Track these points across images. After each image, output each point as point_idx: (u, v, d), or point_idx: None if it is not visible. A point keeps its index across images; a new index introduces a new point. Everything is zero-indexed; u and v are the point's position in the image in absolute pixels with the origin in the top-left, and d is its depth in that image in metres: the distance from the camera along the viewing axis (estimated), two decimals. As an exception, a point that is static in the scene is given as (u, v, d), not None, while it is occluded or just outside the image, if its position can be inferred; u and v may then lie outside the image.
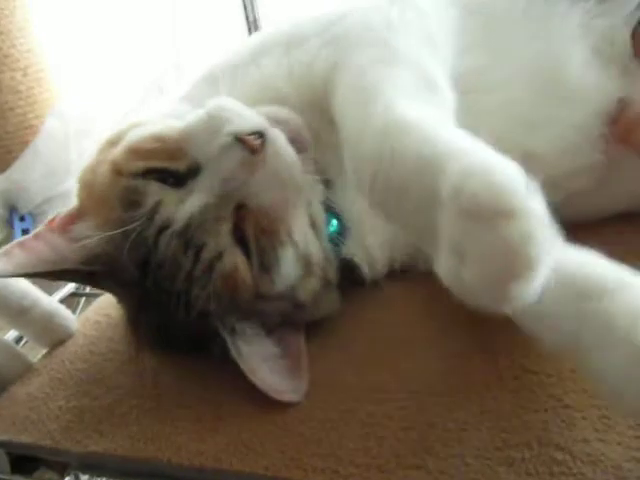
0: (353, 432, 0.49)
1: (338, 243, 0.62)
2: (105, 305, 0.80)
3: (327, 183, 0.62)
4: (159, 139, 0.56)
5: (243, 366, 0.54)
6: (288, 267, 0.55)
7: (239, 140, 0.52)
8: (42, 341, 0.73)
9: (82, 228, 0.57)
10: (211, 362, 0.56)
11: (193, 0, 1.66)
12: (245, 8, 1.54)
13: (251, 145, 0.52)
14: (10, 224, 1.47)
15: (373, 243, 0.63)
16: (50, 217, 0.61)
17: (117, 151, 0.57)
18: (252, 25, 1.55)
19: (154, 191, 0.53)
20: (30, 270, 0.56)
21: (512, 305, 0.35)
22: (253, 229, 0.53)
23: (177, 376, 0.60)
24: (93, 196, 0.58)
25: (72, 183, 1.59)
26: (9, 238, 1.47)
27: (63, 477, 0.63)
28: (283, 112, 0.58)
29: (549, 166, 0.58)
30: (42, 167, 1.46)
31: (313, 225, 0.59)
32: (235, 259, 0.53)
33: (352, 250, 0.63)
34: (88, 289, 0.91)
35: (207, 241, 0.52)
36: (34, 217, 1.50)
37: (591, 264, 0.39)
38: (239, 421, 0.53)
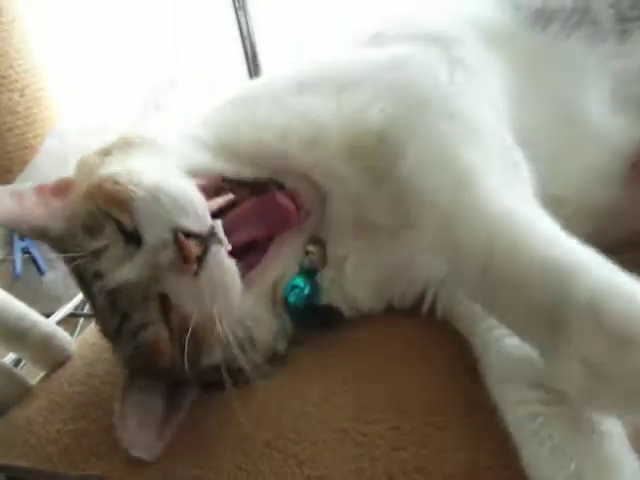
0: (346, 453, 0.49)
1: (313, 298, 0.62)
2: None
3: (317, 240, 0.63)
4: (115, 183, 0.55)
5: (118, 406, 0.56)
6: (214, 357, 0.54)
7: (177, 241, 0.50)
8: (41, 364, 0.74)
9: (55, 207, 0.60)
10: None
11: (190, 19, 1.68)
12: (239, 22, 1.55)
13: (187, 253, 0.50)
14: (10, 243, 1.48)
15: (357, 288, 0.63)
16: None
17: (100, 177, 0.57)
18: (247, 41, 1.56)
19: (109, 234, 0.54)
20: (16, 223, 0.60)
21: None
22: (177, 321, 0.53)
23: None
24: (78, 192, 0.59)
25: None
26: (9, 256, 1.49)
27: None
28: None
29: (573, 206, 0.58)
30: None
31: (270, 302, 0.60)
32: (159, 334, 0.53)
33: (332, 295, 0.63)
34: (87, 309, 0.92)
35: (132, 314, 0.53)
36: (34, 236, 1.51)
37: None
38: (233, 443, 0.53)
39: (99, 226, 0.54)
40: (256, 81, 0.73)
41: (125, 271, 0.52)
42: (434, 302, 0.62)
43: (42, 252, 1.53)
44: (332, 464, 0.49)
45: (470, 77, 0.58)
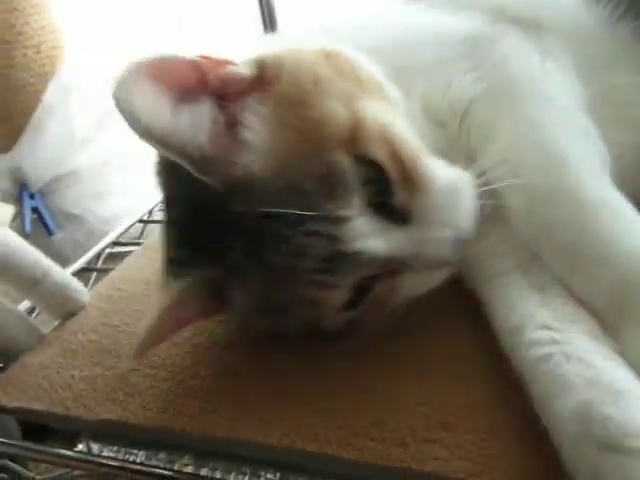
0: (368, 406, 0.49)
1: None
2: (117, 279, 0.80)
3: None
4: (410, 152, 0.49)
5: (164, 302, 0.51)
6: (365, 330, 0.52)
7: (455, 246, 0.49)
8: (54, 312, 0.73)
9: (252, 121, 0.48)
10: (226, 334, 0.56)
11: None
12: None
13: (459, 251, 0.50)
14: (20, 201, 1.47)
15: None
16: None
17: (368, 114, 0.49)
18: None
19: (354, 201, 0.47)
20: (163, 137, 0.44)
21: None
22: (380, 294, 0.51)
23: (192, 346, 0.60)
24: (303, 113, 0.48)
25: (81, 162, 1.59)
26: (18, 216, 1.48)
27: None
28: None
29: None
30: (46, 142, 1.45)
31: None
32: (336, 297, 0.50)
33: None
34: (100, 264, 0.91)
35: (342, 273, 0.48)
36: (43, 195, 1.50)
37: None
38: (254, 393, 0.53)
39: (343, 185, 0.46)
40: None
41: (375, 244, 0.47)
42: None
43: (51, 212, 1.52)
44: (353, 416, 0.48)
45: (558, 64, 0.58)
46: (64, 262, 0.97)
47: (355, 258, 0.47)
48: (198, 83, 0.47)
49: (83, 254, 0.93)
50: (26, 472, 0.60)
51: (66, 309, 0.73)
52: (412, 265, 0.49)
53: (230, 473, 0.49)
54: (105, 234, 1.00)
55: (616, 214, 0.48)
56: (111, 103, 0.42)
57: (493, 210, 0.57)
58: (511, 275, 0.53)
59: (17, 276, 0.71)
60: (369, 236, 0.47)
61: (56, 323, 0.72)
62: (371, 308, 0.51)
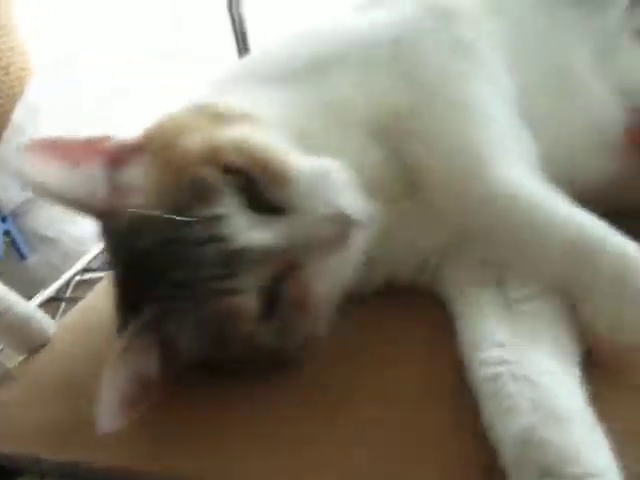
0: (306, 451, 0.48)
1: None
2: (85, 309, 0.78)
3: None
4: (270, 153, 0.52)
5: (116, 361, 0.50)
6: (301, 335, 0.53)
7: (336, 221, 0.49)
8: (18, 347, 0.71)
9: (134, 173, 0.54)
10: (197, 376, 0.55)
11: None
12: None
13: (347, 231, 0.49)
14: (-10, 225, 1.45)
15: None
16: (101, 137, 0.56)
17: (223, 136, 0.53)
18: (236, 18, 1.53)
19: (228, 202, 0.50)
20: (57, 191, 0.52)
21: None
22: (294, 293, 0.51)
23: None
24: (169, 153, 0.53)
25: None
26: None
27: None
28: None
29: (570, 177, 0.59)
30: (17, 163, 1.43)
31: None
32: (245, 303, 0.50)
33: None
34: (69, 293, 0.89)
35: (240, 274, 0.49)
36: (15, 218, 1.47)
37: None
38: (222, 436, 0.52)
39: (215, 192, 0.50)
40: (269, 52, 0.71)
41: (261, 236, 0.49)
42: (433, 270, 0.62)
43: (25, 235, 1.50)
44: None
45: (474, 57, 0.59)
46: (39, 285, 0.96)
47: (245, 255, 0.49)
48: (90, 154, 0.54)
49: (59, 276, 0.92)
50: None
51: (31, 343, 0.71)
52: (303, 252, 0.50)
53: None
54: (81, 254, 0.98)
55: (540, 204, 0.50)
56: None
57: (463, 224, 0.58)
58: (479, 289, 0.54)
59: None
60: (250, 231, 0.49)
61: (21, 358, 0.70)
62: (293, 313, 0.51)
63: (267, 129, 0.56)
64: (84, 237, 1.45)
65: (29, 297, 0.86)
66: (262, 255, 0.49)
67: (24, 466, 0.59)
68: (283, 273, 0.50)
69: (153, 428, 0.54)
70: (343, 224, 0.49)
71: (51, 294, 0.87)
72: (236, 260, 0.49)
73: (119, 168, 0.55)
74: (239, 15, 1.54)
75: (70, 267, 0.94)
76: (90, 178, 0.53)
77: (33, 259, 1.50)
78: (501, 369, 0.45)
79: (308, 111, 0.58)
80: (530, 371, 0.44)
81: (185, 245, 0.49)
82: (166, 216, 0.49)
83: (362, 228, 0.51)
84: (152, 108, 0.67)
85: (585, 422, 0.40)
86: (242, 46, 1.56)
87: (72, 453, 0.54)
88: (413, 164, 0.57)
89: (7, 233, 1.47)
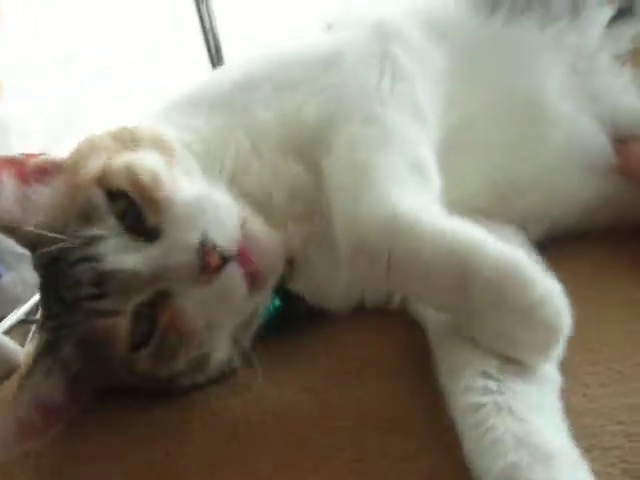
0: (306, 466, 0.47)
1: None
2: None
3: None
4: (153, 179, 0.53)
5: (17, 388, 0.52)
6: (179, 364, 0.54)
7: (202, 251, 0.50)
8: (-15, 375, 0.70)
9: (44, 192, 0.56)
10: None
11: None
12: (200, 15, 1.51)
13: (208, 264, 0.50)
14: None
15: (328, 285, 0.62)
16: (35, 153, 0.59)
17: (117, 161, 0.55)
18: (210, 34, 1.52)
19: (107, 224, 0.52)
20: None
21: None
22: (166, 321, 0.52)
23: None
24: (75, 174, 0.56)
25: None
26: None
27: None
28: (263, 231, 0.56)
29: (534, 196, 0.62)
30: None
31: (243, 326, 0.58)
32: (118, 327, 0.51)
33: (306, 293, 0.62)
34: (39, 315, 0.87)
35: (113, 296, 0.51)
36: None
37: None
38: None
39: (98, 213, 0.52)
40: (203, 80, 0.72)
41: (130, 259, 0.50)
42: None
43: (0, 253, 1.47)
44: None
45: (399, 81, 0.59)
46: (14, 303, 0.94)
47: (116, 277, 0.50)
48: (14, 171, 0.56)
49: (33, 294, 0.90)
50: None
51: (-1, 371, 0.69)
52: (173, 280, 0.50)
53: None
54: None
55: (425, 224, 0.48)
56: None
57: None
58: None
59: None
60: (122, 253, 0.50)
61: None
62: (167, 340, 0.52)
63: (174, 156, 0.57)
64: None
65: (3, 315, 0.85)
66: (133, 279, 0.50)
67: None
68: (156, 299, 0.51)
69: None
70: (210, 256, 0.49)
71: (20, 317, 0.85)
72: (108, 281, 0.50)
73: (34, 186, 0.57)
74: (210, 21, 1.54)
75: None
76: (7, 195, 0.55)
77: (7, 277, 1.47)
78: (485, 399, 0.43)
79: (225, 136, 0.60)
80: (515, 403, 0.42)
81: (66, 264, 0.51)
82: (43, 233, 0.52)
83: (235, 263, 0.51)
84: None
85: (570, 460, 0.39)
86: (215, 53, 1.56)
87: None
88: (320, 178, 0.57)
89: (-20, 251, 1.44)
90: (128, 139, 0.59)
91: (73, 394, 0.55)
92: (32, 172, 0.57)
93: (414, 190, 0.52)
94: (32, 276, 1.50)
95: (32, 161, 0.58)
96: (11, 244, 1.56)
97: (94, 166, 0.55)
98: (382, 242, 0.48)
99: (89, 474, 0.53)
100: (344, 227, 0.52)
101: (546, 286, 0.44)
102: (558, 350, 0.45)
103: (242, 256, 0.52)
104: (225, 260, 0.50)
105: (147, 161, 0.55)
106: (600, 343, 0.51)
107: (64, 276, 0.51)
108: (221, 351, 0.55)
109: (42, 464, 0.55)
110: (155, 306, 0.51)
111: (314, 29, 0.83)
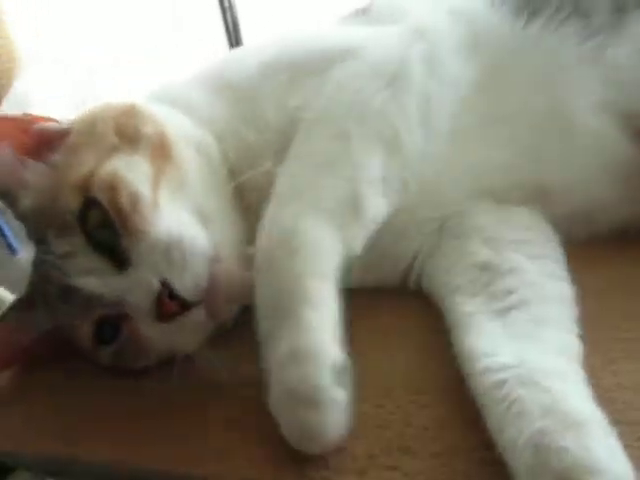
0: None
1: None
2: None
3: None
4: (135, 201, 0.52)
5: None
6: (142, 363, 0.56)
7: (160, 298, 0.50)
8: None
9: (38, 169, 0.56)
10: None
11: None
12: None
13: (164, 312, 0.50)
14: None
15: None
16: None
17: (103, 169, 0.53)
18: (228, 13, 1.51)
19: (80, 243, 0.52)
20: None
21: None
22: (128, 334, 0.53)
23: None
24: (67, 165, 0.56)
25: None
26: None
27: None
28: (233, 270, 0.54)
29: (561, 203, 0.60)
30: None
31: None
32: (81, 328, 0.54)
33: None
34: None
35: (77, 307, 0.53)
36: (4, 213, 1.46)
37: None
38: (203, 425, 0.51)
39: (72, 228, 0.52)
40: (223, 60, 0.72)
41: (94, 283, 0.52)
42: (418, 277, 0.61)
43: (15, 230, 1.49)
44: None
45: (397, 100, 0.55)
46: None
47: (80, 293, 0.52)
48: (11, 135, 0.56)
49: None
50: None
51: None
52: (131, 308, 0.51)
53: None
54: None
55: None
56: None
57: (456, 226, 0.59)
58: (471, 295, 0.52)
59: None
60: (88, 274, 0.52)
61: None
62: (131, 349, 0.54)
63: (171, 163, 0.55)
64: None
65: (20, 292, 0.85)
66: (96, 298, 0.51)
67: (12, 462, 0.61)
68: (120, 314, 0.52)
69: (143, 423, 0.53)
70: (166, 305, 0.50)
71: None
72: (74, 294, 0.52)
73: (43, 154, 0.57)
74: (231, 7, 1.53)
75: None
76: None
77: (23, 254, 1.48)
78: (506, 375, 0.43)
79: (229, 128, 0.60)
80: (537, 375, 0.42)
81: (42, 259, 0.54)
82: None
83: (198, 308, 0.51)
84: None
85: (600, 427, 0.39)
86: (233, 33, 1.55)
87: (44, 446, 0.55)
88: None
89: (-4, 228, 1.46)
90: (130, 135, 0.56)
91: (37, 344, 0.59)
92: (33, 142, 0.57)
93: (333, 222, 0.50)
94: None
95: (36, 127, 0.57)
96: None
97: (83, 165, 0.54)
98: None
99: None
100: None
101: None
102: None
103: (206, 302, 0.51)
104: (186, 305, 0.50)
105: (132, 178, 0.53)
106: (625, 319, 0.51)
107: (40, 266, 0.55)
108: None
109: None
110: (119, 317, 0.53)
111: (334, 10, 0.83)
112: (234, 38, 1.51)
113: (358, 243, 0.52)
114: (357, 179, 0.52)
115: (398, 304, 0.60)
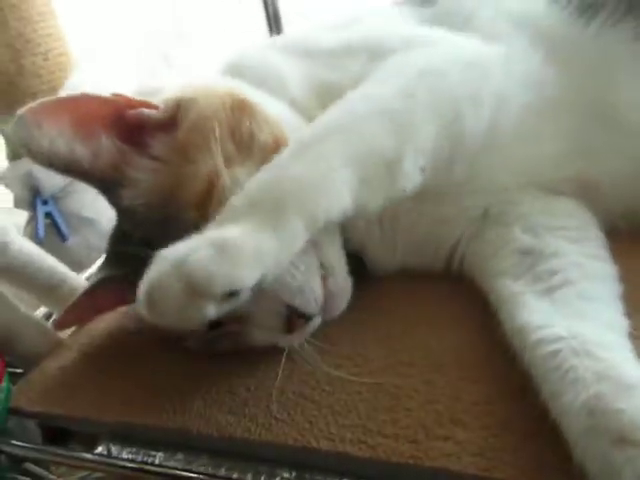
0: (381, 404, 0.50)
1: None
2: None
3: None
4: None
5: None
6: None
7: (289, 319, 0.54)
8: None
9: (162, 146, 0.55)
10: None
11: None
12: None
13: (292, 328, 0.54)
14: (33, 207, 1.49)
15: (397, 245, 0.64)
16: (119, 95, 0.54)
17: (225, 183, 0.52)
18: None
19: None
20: (62, 160, 0.52)
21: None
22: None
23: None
24: (182, 162, 0.54)
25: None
26: (32, 221, 1.49)
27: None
28: (341, 282, 0.58)
29: (609, 197, 0.61)
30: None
31: None
32: None
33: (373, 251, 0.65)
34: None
35: None
36: (56, 200, 1.51)
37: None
38: (268, 393, 0.54)
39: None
40: (299, 32, 0.75)
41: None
42: (461, 260, 0.63)
43: (65, 217, 1.54)
44: (366, 415, 0.49)
45: (487, 85, 0.57)
46: (78, 267, 0.99)
47: None
48: (107, 119, 0.53)
49: (97, 258, 0.94)
50: (48, 475, 0.61)
51: (82, 314, 0.74)
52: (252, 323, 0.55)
53: (247, 473, 0.50)
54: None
55: None
56: None
57: (500, 213, 0.60)
58: (515, 281, 0.54)
59: (34, 283, 0.73)
60: None
61: (73, 328, 0.73)
62: (231, 340, 0.57)
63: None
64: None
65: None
66: None
67: (76, 428, 0.64)
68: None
69: (210, 391, 0.56)
70: (295, 323, 0.54)
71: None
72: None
73: (132, 141, 0.55)
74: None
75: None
76: (98, 150, 0.53)
77: (73, 240, 1.53)
78: (560, 345, 0.44)
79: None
80: (589, 346, 0.43)
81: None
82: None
83: (317, 316, 0.55)
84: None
85: None
86: (274, 22, 1.56)
87: (125, 414, 0.57)
88: None
89: (48, 215, 1.51)
90: (246, 142, 0.55)
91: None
92: (130, 127, 0.54)
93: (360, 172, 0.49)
94: (96, 240, 1.56)
95: (134, 112, 0.55)
96: (77, 207, 1.63)
97: (199, 176, 0.53)
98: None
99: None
100: None
101: None
102: None
103: (324, 311, 0.56)
104: (309, 318, 0.55)
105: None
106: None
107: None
108: None
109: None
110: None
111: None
112: (274, 27, 1.53)
113: (372, 206, 0.51)
114: (407, 141, 0.52)
115: (442, 288, 0.62)
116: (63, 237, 1.53)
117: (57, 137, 0.51)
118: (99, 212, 1.52)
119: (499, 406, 0.47)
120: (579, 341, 0.44)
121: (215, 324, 0.53)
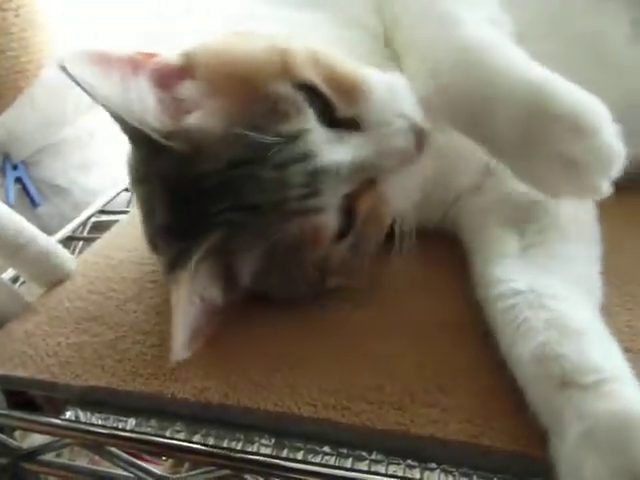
0: (365, 369, 0.48)
1: None
2: (104, 247, 0.78)
3: None
4: (340, 67, 0.51)
5: (182, 285, 0.48)
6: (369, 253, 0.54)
7: (414, 130, 0.50)
8: (39, 280, 0.71)
9: (189, 93, 0.50)
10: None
11: None
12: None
13: (421, 141, 0.51)
14: (3, 172, 1.43)
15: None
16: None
17: (291, 49, 0.50)
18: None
19: (306, 117, 0.48)
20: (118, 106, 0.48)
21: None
22: (366, 210, 0.51)
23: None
24: (228, 69, 0.50)
25: (67, 133, 1.55)
26: (1, 187, 1.44)
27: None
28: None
29: None
30: (37, 116, 1.42)
31: None
32: (328, 222, 0.49)
33: None
34: (86, 233, 0.89)
35: (323, 193, 0.48)
36: (27, 166, 1.46)
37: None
38: (247, 357, 0.52)
39: (291, 106, 0.47)
40: None
41: (341, 152, 0.48)
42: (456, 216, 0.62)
43: (36, 183, 1.49)
44: (349, 380, 0.47)
45: None
46: (48, 234, 0.95)
47: (328, 172, 0.47)
48: (136, 70, 0.50)
49: (69, 221, 0.91)
50: (12, 442, 0.58)
51: (51, 277, 0.70)
52: (380, 167, 0.50)
53: (223, 440, 0.48)
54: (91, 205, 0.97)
55: (502, 53, 0.49)
56: None
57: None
58: (496, 232, 0.54)
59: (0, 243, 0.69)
60: (332, 146, 0.48)
61: (41, 291, 0.70)
62: (367, 228, 0.52)
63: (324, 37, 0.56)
64: (95, 188, 1.43)
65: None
66: (344, 172, 0.48)
67: (44, 392, 0.60)
68: (360, 189, 0.50)
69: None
70: (417, 135, 0.50)
71: (68, 233, 0.86)
72: (319, 178, 0.47)
73: (168, 88, 0.51)
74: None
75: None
76: (143, 95, 0.49)
77: (44, 208, 1.49)
78: (517, 299, 0.45)
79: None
80: (545, 299, 0.44)
81: (263, 165, 0.46)
82: (250, 134, 0.45)
83: (429, 139, 0.51)
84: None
85: (597, 333, 0.41)
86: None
87: (94, 378, 0.54)
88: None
89: (18, 180, 1.46)
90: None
91: (229, 299, 0.53)
92: (162, 74, 0.51)
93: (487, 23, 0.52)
94: (67, 208, 1.52)
95: (154, 61, 0.52)
96: (49, 175, 1.58)
97: (256, 56, 0.50)
98: (464, 77, 0.49)
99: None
100: (421, 62, 0.54)
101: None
102: (617, 169, 0.44)
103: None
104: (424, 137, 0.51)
105: (324, 50, 0.52)
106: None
107: (257, 179, 0.47)
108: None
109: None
110: (356, 195, 0.50)
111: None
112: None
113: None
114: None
115: (430, 253, 0.58)
116: (34, 203, 1.48)
117: (109, 80, 0.48)
118: (70, 180, 1.48)
119: (487, 372, 0.45)
120: (536, 294, 0.44)
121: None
